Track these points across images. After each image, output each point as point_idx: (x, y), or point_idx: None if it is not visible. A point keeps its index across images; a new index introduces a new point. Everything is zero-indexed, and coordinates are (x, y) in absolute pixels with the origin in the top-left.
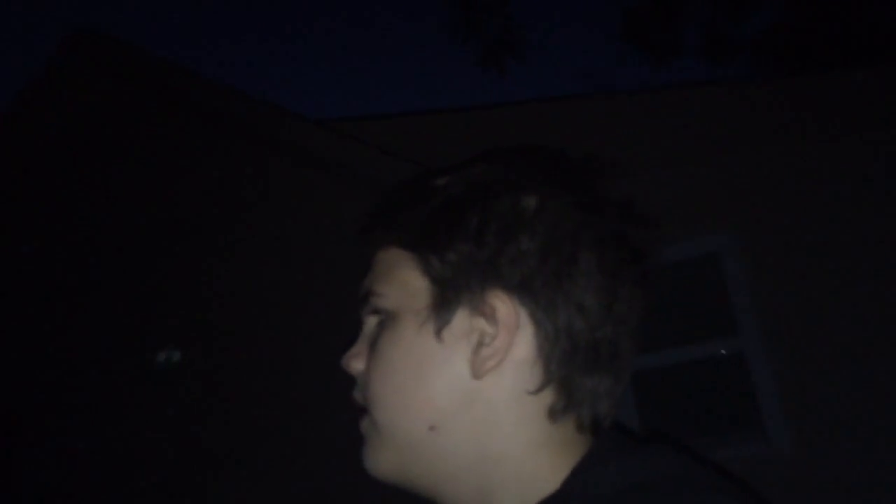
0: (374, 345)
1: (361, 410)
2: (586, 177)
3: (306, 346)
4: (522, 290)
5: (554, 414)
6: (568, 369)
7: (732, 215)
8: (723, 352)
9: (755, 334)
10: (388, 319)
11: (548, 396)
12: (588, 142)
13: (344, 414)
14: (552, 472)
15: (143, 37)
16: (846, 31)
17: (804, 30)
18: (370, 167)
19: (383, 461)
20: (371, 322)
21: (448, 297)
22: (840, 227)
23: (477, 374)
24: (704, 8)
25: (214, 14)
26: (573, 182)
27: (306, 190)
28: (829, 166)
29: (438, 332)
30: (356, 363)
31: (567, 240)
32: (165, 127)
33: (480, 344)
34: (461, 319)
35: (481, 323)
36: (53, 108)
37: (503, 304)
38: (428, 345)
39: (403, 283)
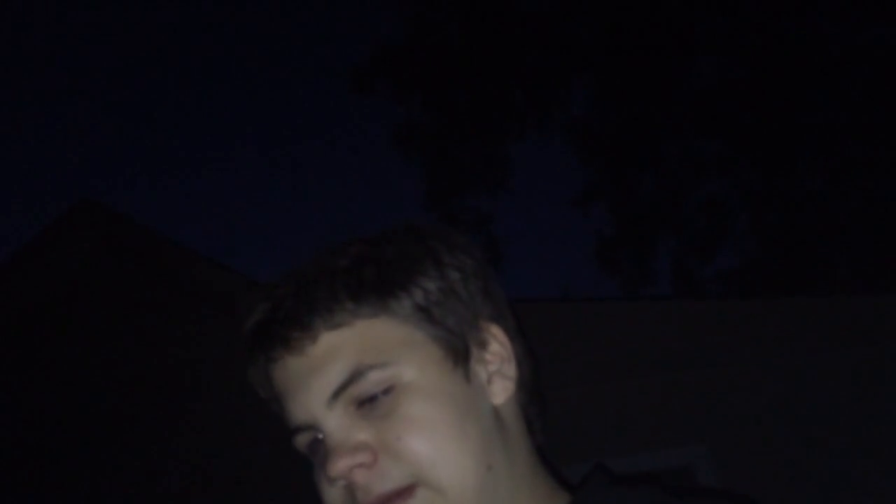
0: (394, 416)
1: (398, 495)
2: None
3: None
4: (499, 320)
5: (532, 424)
6: (532, 380)
7: (707, 427)
8: None
9: None
10: (399, 387)
11: (529, 409)
12: (567, 346)
13: None
14: (548, 488)
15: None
16: (813, 265)
17: (770, 264)
18: None
19: None
20: (336, 420)
21: (456, 340)
22: (813, 442)
23: (499, 400)
24: (673, 244)
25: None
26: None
27: None
28: (803, 383)
29: (466, 375)
30: (363, 457)
31: (493, 280)
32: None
33: (495, 373)
34: (474, 357)
35: (487, 355)
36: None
37: (499, 334)
38: (461, 388)
39: (400, 342)
